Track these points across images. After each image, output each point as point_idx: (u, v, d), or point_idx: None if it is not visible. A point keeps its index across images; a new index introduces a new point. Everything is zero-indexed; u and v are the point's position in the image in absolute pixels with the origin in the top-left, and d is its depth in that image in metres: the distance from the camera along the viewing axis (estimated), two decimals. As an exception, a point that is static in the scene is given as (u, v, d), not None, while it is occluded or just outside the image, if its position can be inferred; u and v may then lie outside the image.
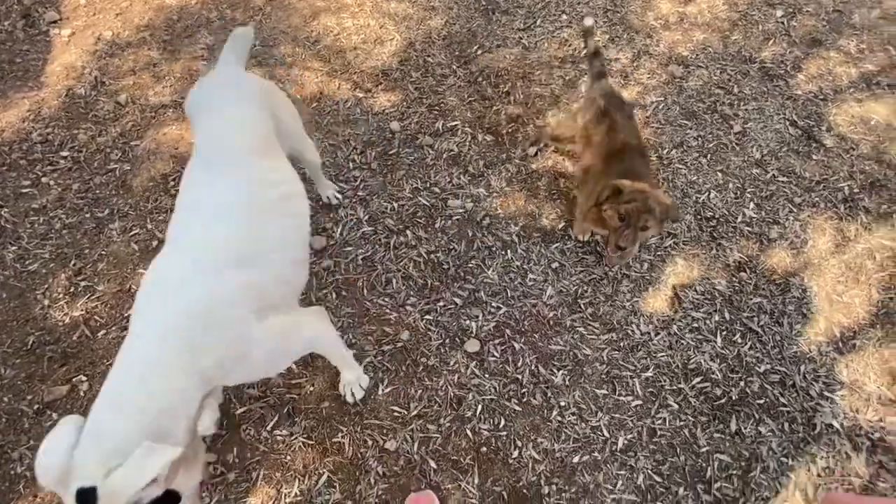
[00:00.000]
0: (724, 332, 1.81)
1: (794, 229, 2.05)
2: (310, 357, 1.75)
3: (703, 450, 1.62)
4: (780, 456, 1.60)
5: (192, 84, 2.41)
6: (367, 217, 2.02)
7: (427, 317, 1.83)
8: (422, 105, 2.36)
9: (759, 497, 1.55)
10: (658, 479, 1.58)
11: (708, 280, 1.92)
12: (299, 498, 1.56)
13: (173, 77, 2.43)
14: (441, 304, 1.85)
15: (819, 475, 1.57)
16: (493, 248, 1.96)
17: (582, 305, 1.85)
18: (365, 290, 1.88)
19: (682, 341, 1.79)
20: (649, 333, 1.80)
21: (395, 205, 2.04)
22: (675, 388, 1.71)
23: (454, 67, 2.50)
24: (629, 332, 1.80)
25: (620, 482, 1.57)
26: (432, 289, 1.88)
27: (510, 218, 2.03)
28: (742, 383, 1.72)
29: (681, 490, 1.56)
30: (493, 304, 1.85)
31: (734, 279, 1.92)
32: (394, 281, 1.89)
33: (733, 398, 1.69)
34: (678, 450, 1.62)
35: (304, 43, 2.58)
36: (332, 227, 2.00)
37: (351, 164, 2.13)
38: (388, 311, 1.84)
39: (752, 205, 2.11)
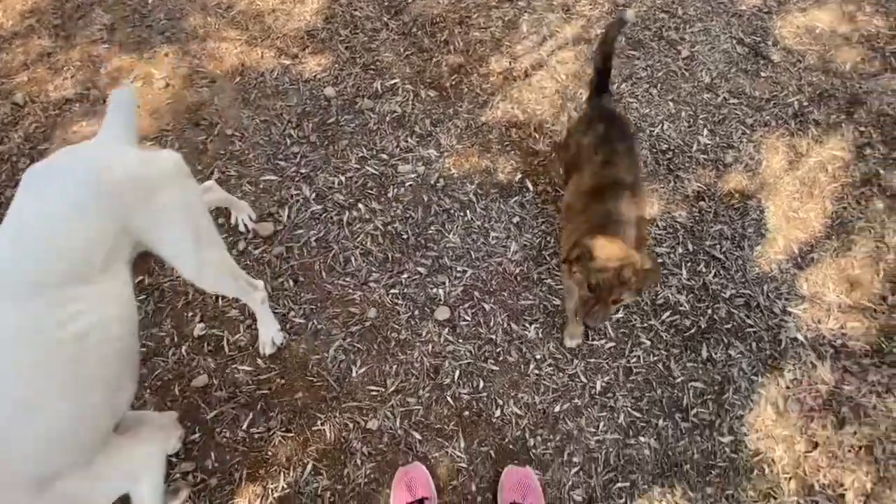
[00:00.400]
0: (689, 264, 1.81)
1: (748, 151, 2.04)
2: (275, 352, 1.68)
3: (678, 380, 1.65)
4: (750, 375, 1.65)
5: (96, 72, 2.18)
6: (314, 195, 1.90)
7: (392, 291, 1.76)
8: (355, 66, 2.19)
9: (733, 416, 1.60)
10: (638, 414, 1.61)
11: (669, 214, 1.90)
12: (287, 490, 1.53)
13: (72, 66, 2.17)
14: (405, 275, 1.78)
15: (788, 387, 1.62)
16: (452, 211, 1.88)
17: (547, 257, 1.81)
18: (323, 273, 1.79)
19: (649, 278, 1.79)
20: (616, 275, 1.79)
21: (343, 178, 1.92)
22: (645, 325, 1.72)
23: (385, 20, 2.32)
24: (596, 276, 1.79)
25: (602, 423, 1.59)
26: (394, 261, 1.81)
27: (465, 177, 1.95)
28: (709, 311, 1.74)
29: (660, 422, 1.60)
30: (459, 268, 1.80)
31: (694, 209, 1.91)
32: (352, 259, 1.80)
33: (702, 327, 1.72)
34: (654, 384, 1.65)
35: (216, 11, 2.33)
36: (277, 212, 1.88)
37: (288, 140, 1.98)
38: (350, 290, 1.76)
39: (705, 131, 2.07)
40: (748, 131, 2.08)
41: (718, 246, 1.84)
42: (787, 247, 1.84)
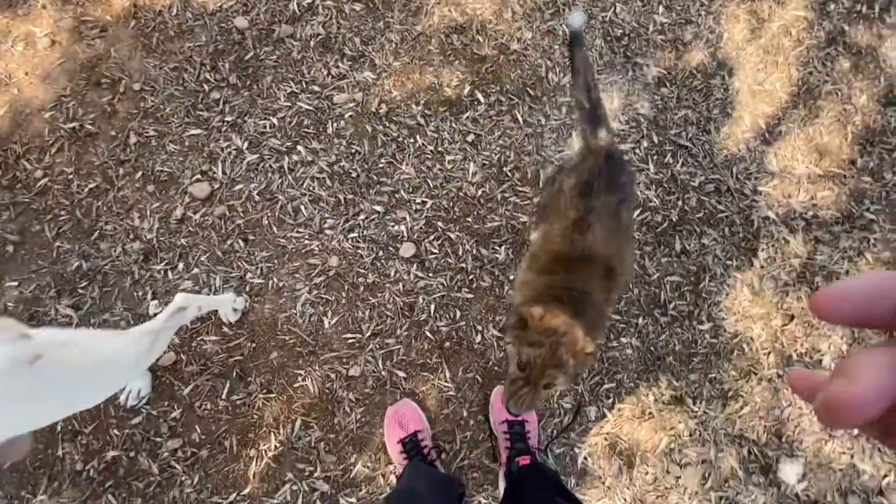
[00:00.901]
0: (655, 156, 1.72)
1: (707, 25, 1.87)
2: (240, 317, 1.59)
3: (654, 277, 1.62)
4: (724, 261, 1.62)
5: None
6: (246, 144, 1.71)
7: (352, 235, 1.65)
8: (267, -13, 1.90)
9: (711, 303, 1.60)
10: (617, 317, 1.59)
11: (630, 106, 1.77)
12: (280, 448, 1.52)
13: (-65, 34, 1.84)
14: (362, 217, 1.66)
15: (762, 266, 1.61)
16: (400, 139, 1.72)
17: (508, 173, 1.69)
18: (274, 228, 1.65)
19: (616, 178, 1.70)
20: (582, 181, 1.69)
21: (274, 120, 1.73)
22: (617, 227, 1.66)
23: (291, -74, 1.98)
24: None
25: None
26: (348, 203, 1.67)
27: (409, 98, 1.77)
28: (680, 203, 1.68)
29: (640, 320, 1.59)
30: (418, 200, 1.68)
31: (656, 97, 1.78)
32: (302, 208, 1.67)
33: (674, 220, 1.66)
34: (631, 284, 1.61)
35: (90, -59, 1.96)
36: (210, 169, 1.69)
37: (206, 87, 1.75)
38: (306, 241, 1.64)
39: (661, 9, 1.89)
40: (706, 2, 1.90)
41: (684, 133, 1.74)
42: (753, 123, 1.75)
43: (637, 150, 1.72)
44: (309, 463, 1.50)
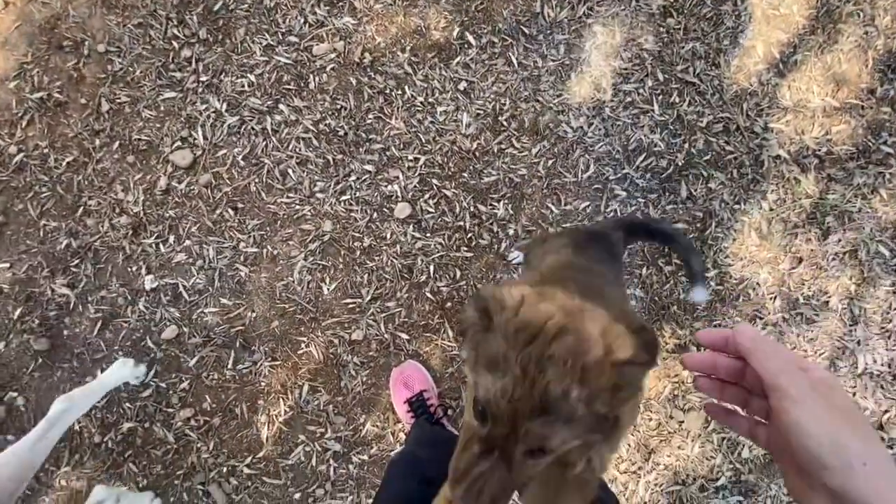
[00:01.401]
0: (660, 96, 1.60)
1: (719, -60, 1.67)
2: (237, 286, 1.55)
3: (659, 225, 1.55)
4: (731, 205, 1.55)
5: None
6: (225, 106, 1.59)
7: (344, 198, 1.57)
8: (230, -76, 1.69)
9: (717, 250, 1.54)
10: (621, 268, 1.54)
11: (633, 41, 1.62)
12: (290, 413, 1.53)
13: None
14: (353, 178, 1.58)
15: (771, 209, 1.53)
16: (387, 91, 1.60)
17: (504, 123, 1.58)
18: (263, 194, 1.58)
19: (618, 122, 1.59)
20: (581, 128, 1.58)
21: (252, 77, 1.60)
22: (619, 175, 1.57)
23: None
24: (560, 133, 1.58)
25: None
26: (337, 164, 1.58)
27: (394, 44, 1.62)
28: (686, 145, 1.58)
29: (644, 271, 1.54)
30: (410, 156, 1.58)
31: (661, 30, 1.62)
32: (290, 171, 1.58)
33: (679, 164, 1.57)
34: (635, 235, 1.55)
35: None
36: (190, 134, 1.59)
37: (175, 44, 1.61)
38: (298, 207, 1.57)
39: (668, -76, 1.68)
40: (719, -86, 1.69)
41: (691, 68, 1.60)
42: (767, 53, 1.61)
43: (641, 91, 1.59)
44: (319, 425, 1.52)
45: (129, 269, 1.58)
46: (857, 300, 1.47)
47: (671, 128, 1.58)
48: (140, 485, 1.51)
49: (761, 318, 1.49)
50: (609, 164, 1.57)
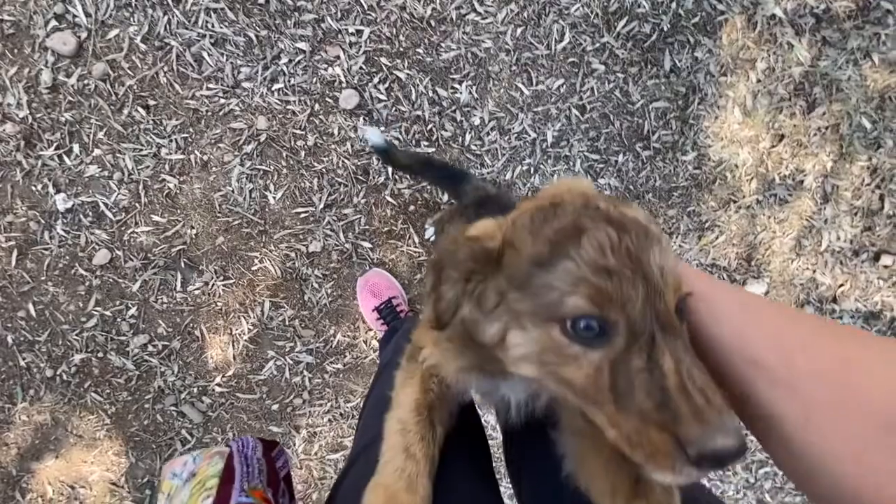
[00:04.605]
0: (649, -59, 1.22)
1: None
2: (167, 200, 1.25)
3: (638, 105, 1.30)
4: (717, 78, 1.29)
5: None
6: (99, -34, 1.13)
7: (276, 87, 1.21)
8: None
9: (697, 129, 1.32)
10: (596, 156, 1.32)
11: None
12: (254, 330, 1.35)
13: None
14: (284, 60, 1.20)
15: (758, 80, 1.29)
16: (314, -61, 1.16)
17: (463, -20, 1.20)
18: (177, 86, 1.20)
19: (600, -22, 1.23)
20: (557, -15, 1.22)
21: (128, -78, 1.11)
22: (597, 45, 1.26)
23: None
24: (532, -7, 1.22)
25: (557, 178, 1.31)
26: (262, 43, 1.19)
27: None
28: (674, 4, 1.25)
29: (620, 157, 1.32)
30: (351, 29, 1.20)
31: None
32: (205, 55, 1.18)
33: (665, 29, 1.26)
34: (611, 117, 1.30)
35: None
36: (66, 10, 1.14)
37: None
38: (223, 101, 1.21)
39: None
40: None
41: None
42: None
43: (627, -66, 1.21)
44: (288, 339, 1.35)
45: (34, 188, 1.23)
46: (831, 177, 1.32)
47: (659, -17, 1.24)
48: (108, 412, 1.35)
49: (735, 202, 1.34)
50: (586, 32, 1.25)
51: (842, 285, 1.36)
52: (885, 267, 1.36)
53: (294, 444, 1.40)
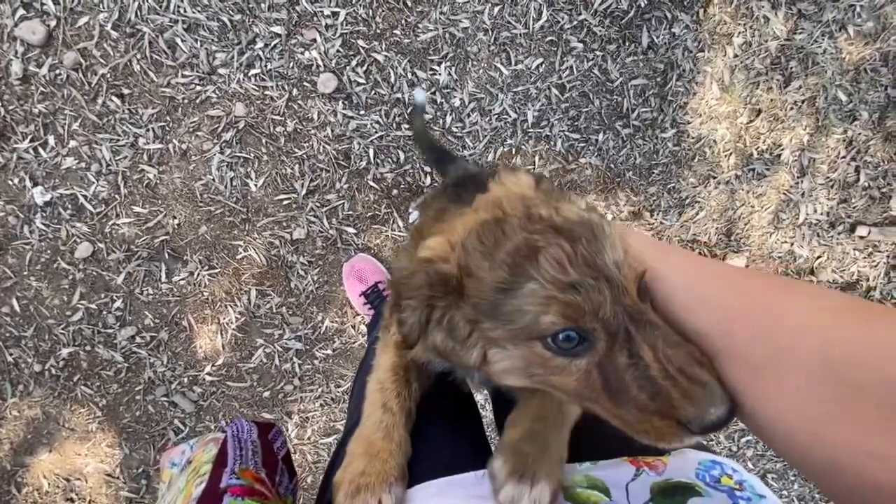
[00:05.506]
0: (625, -84, 1.19)
1: None
2: (147, 190, 1.22)
3: (617, 83, 1.27)
4: (695, 53, 1.27)
5: None
6: (63, -50, 1.07)
7: (253, 72, 1.18)
8: None
9: (676, 106, 1.30)
10: (576, 136, 1.30)
11: None
12: (242, 319, 1.33)
13: None
14: (260, 45, 1.16)
15: (735, 55, 1.27)
16: (285, -81, 1.11)
17: (438, -41, 1.16)
18: (151, 74, 1.16)
19: (576, -46, 1.20)
20: (534, -39, 1.18)
21: None
22: (575, 23, 1.23)
23: None
24: (509, -29, 1.18)
25: (539, 158, 1.30)
26: (236, 27, 1.15)
27: None
28: (651, -19, 1.23)
29: (600, 136, 1.30)
30: (326, 11, 1.16)
31: None
32: (179, 41, 1.14)
33: (642, 5, 1.24)
34: (591, 96, 1.28)
35: None
36: (39, 3, 1.09)
37: None
38: (199, 88, 1.17)
39: None
40: None
41: None
42: None
43: None
44: (276, 327, 1.33)
45: (11, 182, 1.19)
46: (808, 150, 1.32)
47: (635, -41, 1.22)
48: (99, 405, 1.33)
49: (714, 178, 1.33)
50: (564, 9, 1.22)
51: (819, 257, 1.37)
52: (861, 238, 1.36)
53: (287, 430, 1.39)
